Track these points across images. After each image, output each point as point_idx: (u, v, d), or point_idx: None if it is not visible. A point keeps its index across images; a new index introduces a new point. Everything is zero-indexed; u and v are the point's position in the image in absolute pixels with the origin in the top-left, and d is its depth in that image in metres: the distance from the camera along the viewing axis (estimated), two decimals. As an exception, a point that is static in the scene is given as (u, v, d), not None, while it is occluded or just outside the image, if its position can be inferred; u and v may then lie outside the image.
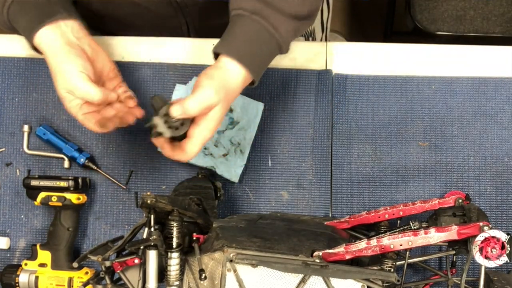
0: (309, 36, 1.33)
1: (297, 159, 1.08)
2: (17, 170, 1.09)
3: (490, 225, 0.79)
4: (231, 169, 1.06)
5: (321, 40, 1.40)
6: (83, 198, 1.04)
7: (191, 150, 0.85)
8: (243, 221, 0.91)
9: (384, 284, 0.77)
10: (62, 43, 0.87)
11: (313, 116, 1.09)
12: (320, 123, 1.08)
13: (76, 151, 1.07)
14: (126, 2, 1.05)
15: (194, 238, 0.86)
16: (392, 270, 0.79)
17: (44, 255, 1.03)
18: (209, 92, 0.82)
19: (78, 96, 0.86)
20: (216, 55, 0.88)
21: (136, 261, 0.79)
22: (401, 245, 0.79)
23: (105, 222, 1.08)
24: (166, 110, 0.82)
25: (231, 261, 0.79)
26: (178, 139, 0.85)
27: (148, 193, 0.78)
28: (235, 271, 0.79)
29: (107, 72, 0.93)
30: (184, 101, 0.81)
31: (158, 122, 0.83)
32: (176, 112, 0.81)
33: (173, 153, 0.86)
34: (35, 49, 0.90)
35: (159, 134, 0.83)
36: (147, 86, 1.10)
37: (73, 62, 0.86)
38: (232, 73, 0.86)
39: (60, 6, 0.90)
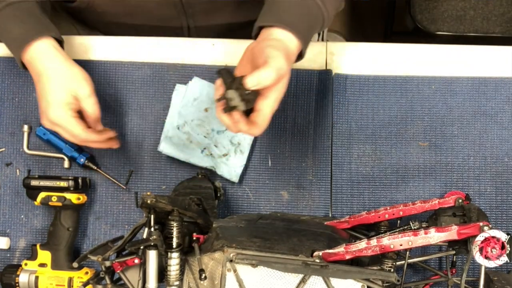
0: None
1: (297, 159, 1.08)
2: (17, 170, 1.09)
3: (490, 225, 0.79)
4: (231, 169, 1.06)
5: (318, 40, 1.40)
6: (83, 198, 1.04)
7: (262, 122, 0.83)
8: (243, 221, 0.91)
9: (384, 284, 0.77)
10: (66, 54, 0.92)
11: (313, 116, 1.09)
12: (320, 123, 1.08)
13: (76, 151, 1.07)
14: (129, 3, 1.05)
15: (194, 238, 0.86)
16: (392, 270, 0.79)
17: (44, 255, 1.03)
18: (282, 61, 0.80)
19: (84, 94, 0.89)
20: (258, 30, 0.87)
21: (136, 261, 0.79)
22: (401, 245, 0.79)
23: (105, 222, 1.08)
24: (238, 83, 0.79)
25: (231, 261, 0.79)
26: (248, 113, 0.83)
27: (148, 193, 0.78)
28: (235, 271, 0.79)
29: None
30: (259, 72, 0.79)
31: (233, 95, 0.79)
32: (251, 83, 0.78)
33: (249, 127, 0.84)
34: (21, 62, 0.93)
35: (233, 108, 0.80)
36: (147, 86, 1.10)
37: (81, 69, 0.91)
38: (290, 44, 0.85)
39: (53, 26, 0.93)
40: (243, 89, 0.79)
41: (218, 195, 1.03)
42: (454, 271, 0.98)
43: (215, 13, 1.09)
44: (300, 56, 0.91)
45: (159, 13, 1.08)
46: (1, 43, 1.06)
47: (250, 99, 0.81)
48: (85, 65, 1.09)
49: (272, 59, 0.80)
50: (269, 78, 0.79)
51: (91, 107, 0.93)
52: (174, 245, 0.81)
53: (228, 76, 0.81)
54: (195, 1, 1.04)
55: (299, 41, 0.87)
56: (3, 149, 1.10)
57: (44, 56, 0.90)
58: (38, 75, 0.91)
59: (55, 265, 1.02)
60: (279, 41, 0.85)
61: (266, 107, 0.82)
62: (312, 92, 1.09)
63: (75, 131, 0.90)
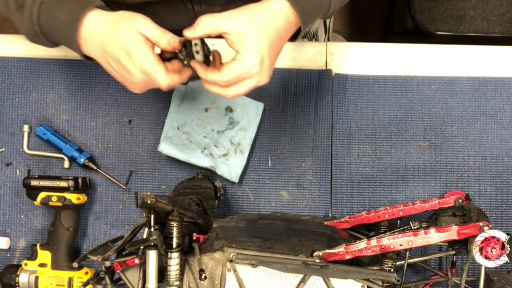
0: (312, 38, 1.33)
1: (297, 159, 1.08)
2: (17, 170, 1.09)
3: (490, 225, 0.79)
4: (231, 169, 1.06)
5: (323, 41, 1.40)
6: (83, 198, 1.04)
7: (224, 70, 0.81)
8: (243, 221, 0.91)
9: (384, 284, 0.77)
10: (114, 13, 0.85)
11: (313, 116, 1.09)
12: (320, 123, 1.08)
13: (76, 151, 1.07)
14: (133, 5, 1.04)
15: (194, 238, 0.86)
16: (392, 270, 0.79)
17: (44, 255, 1.03)
18: (248, 64, 0.80)
19: (157, 35, 0.82)
20: None
21: (136, 261, 0.79)
22: (401, 245, 0.79)
23: (105, 222, 1.08)
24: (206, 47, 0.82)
25: (231, 261, 0.79)
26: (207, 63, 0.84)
27: (148, 193, 0.78)
28: (235, 271, 0.79)
29: None
30: (216, 74, 0.81)
31: (199, 45, 0.82)
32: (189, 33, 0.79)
33: (206, 72, 0.83)
34: (79, 49, 0.86)
35: (193, 56, 0.82)
36: (147, 86, 1.10)
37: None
38: (286, 17, 0.84)
39: None
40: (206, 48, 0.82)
41: (218, 195, 1.03)
42: (454, 271, 0.98)
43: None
44: (297, 33, 0.89)
45: (162, 15, 1.07)
46: (0, 42, 1.06)
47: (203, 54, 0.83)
48: (85, 64, 1.10)
49: (240, 58, 0.80)
50: (204, 27, 0.79)
51: (153, 32, 0.82)
52: (174, 245, 0.81)
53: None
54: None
55: (296, 16, 0.84)
56: (3, 149, 1.10)
57: (98, 25, 0.83)
58: (101, 47, 0.83)
59: (55, 265, 1.02)
60: (272, 10, 0.83)
61: (234, 64, 0.81)
62: (312, 92, 1.09)
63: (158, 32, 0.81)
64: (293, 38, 0.90)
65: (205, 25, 0.80)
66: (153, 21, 0.83)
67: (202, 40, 0.82)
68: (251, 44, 0.80)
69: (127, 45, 0.80)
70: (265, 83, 0.84)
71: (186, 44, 0.83)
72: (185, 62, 0.84)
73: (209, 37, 0.82)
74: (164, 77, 0.81)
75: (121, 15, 0.83)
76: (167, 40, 0.81)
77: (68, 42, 0.87)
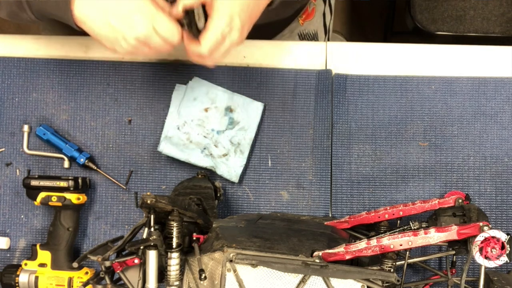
0: (312, 38, 1.33)
1: (297, 159, 1.08)
2: (17, 170, 1.09)
3: (490, 225, 0.79)
4: (231, 169, 1.06)
5: (323, 41, 1.40)
6: (83, 198, 1.04)
7: (203, 41, 0.82)
8: (243, 221, 0.91)
9: (384, 284, 0.77)
10: None
11: (313, 116, 1.09)
12: (320, 123, 1.08)
13: (76, 151, 1.07)
14: None
15: (194, 238, 0.86)
16: (392, 270, 0.79)
17: (44, 255, 1.03)
18: (222, 24, 0.81)
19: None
20: None
21: (136, 261, 0.79)
22: (401, 245, 0.79)
23: (105, 222, 1.08)
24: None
25: (231, 261, 0.79)
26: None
27: (148, 193, 0.78)
28: (235, 271, 0.79)
29: None
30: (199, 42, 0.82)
31: (199, 13, 0.83)
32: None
33: (189, 42, 0.83)
34: (71, 12, 0.82)
35: (188, 25, 0.83)
36: (147, 86, 1.10)
37: None
38: None
39: None
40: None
41: (218, 195, 1.03)
42: (454, 271, 0.98)
43: None
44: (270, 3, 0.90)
45: None
46: (0, 42, 1.05)
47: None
48: (85, 64, 1.10)
49: (211, 24, 0.81)
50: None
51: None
52: (174, 245, 0.81)
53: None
54: None
55: None
56: (3, 149, 1.10)
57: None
58: (101, 4, 0.80)
59: (55, 265, 1.02)
60: None
61: (211, 27, 0.82)
62: (312, 92, 1.09)
63: (173, 30, 0.81)
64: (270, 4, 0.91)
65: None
66: None
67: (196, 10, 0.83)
68: (220, 6, 0.81)
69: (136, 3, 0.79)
70: (238, 43, 0.84)
71: (188, 12, 0.83)
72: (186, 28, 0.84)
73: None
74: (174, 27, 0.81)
75: None
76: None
77: (60, 11, 0.83)
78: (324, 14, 1.33)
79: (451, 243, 0.88)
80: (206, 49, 0.83)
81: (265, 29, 1.01)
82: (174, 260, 0.81)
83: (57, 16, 0.86)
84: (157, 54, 0.85)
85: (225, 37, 0.83)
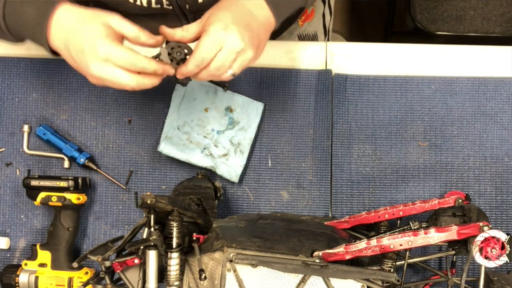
0: (312, 40, 1.33)
1: (297, 159, 1.08)
2: (17, 170, 1.09)
3: (490, 225, 0.79)
4: (231, 169, 1.06)
5: (324, 40, 1.40)
6: (83, 198, 1.04)
7: (198, 48, 0.81)
8: (243, 221, 0.91)
9: (384, 284, 0.77)
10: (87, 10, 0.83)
11: (313, 116, 1.09)
12: (320, 123, 1.08)
13: (76, 151, 1.07)
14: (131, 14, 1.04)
15: (194, 238, 0.86)
16: (392, 270, 0.79)
17: (44, 255, 1.03)
18: (212, 39, 0.81)
19: (115, 19, 0.81)
20: None
21: (136, 261, 0.79)
22: (401, 245, 0.79)
23: (105, 222, 1.08)
24: (174, 44, 0.83)
25: (231, 261, 0.79)
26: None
27: (148, 193, 0.78)
28: (235, 271, 0.79)
29: None
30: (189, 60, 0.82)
31: (163, 51, 0.83)
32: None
33: (188, 64, 0.82)
34: (47, 43, 0.84)
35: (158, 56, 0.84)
36: (147, 86, 1.10)
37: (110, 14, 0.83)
38: (256, 10, 0.85)
39: None
40: (174, 48, 0.84)
41: (218, 195, 1.03)
42: (454, 271, 0.98)
43: None
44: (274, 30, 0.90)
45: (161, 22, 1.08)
46: (0, 42, 1.05)
47: (180, 61, 0.84)
48: (85, 65, 1.10)
49: (204, 33, 0.81)
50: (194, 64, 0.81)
51: (129, 28, 0.81)
52: (174, 245, 0.81)
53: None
54: (193, 4, 1.03)
55: (265, 2, 0.86)
56: (3, 149, 1.10)
57: (66, 18, 0.82)
58: (65, 39, 0.81)
59: (55, 265, 1.02)
60: (236, 2, 0.84)
61: (193, 59, 0.82)
62: (312, 92, 1.09)
63: (131, 57, 0.78)
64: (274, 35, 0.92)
65: (192, 30, 0.83)
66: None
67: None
68: (212, 18, 0.81)
69: (92, 34, 0.79)
70: (242, 49, 0.82)
71: (172, 47, 0.84)
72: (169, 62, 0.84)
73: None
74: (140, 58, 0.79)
75: (94, 11, 0.82)
76: (147, 34, 0.81)
77: (35, 36, 0.85)
78: (323, 15, 1.33)
79: (451, 243, 0.88)
80: (200, 54, 0.81)
81: None
82: (174, 260, 0.81)
83: (35, 42, 0.87)
84: (149, 83, 0.83)
85: (221, 43, 0.81)
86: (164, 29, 0.84)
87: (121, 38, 0.82)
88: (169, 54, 0.83)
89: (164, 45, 0.84)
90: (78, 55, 0.81)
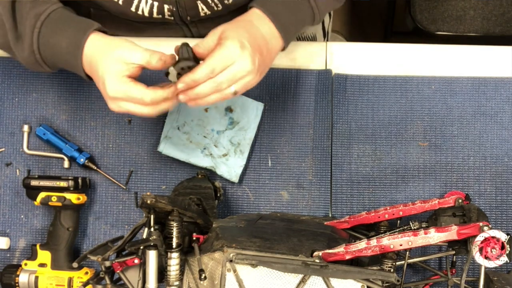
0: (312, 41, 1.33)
1: (297, 159, 1.08)
2: (17, 170, 1.09)
3: (490, 225, 0.79)
4: (231, 169, 1.06)
5: (324, 40, 1.40)
6: (83, 198, 1.04)
7: (210, 59, 0.82)
8: (243, 221, 0.91)
9: (384, 284, 0.77)
10: (112, 37, 0.87)
11: (313, 116, 1.09)
12: (320, 123, 1.08)
13: (76, 151, 1.07)
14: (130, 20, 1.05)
15: (194, 238, 0.86)
16: (392, 270, 0.79)
17: (44, 255, 1.03)
18: (226, 55, 0.82)
19: (131, 55, 0.83)
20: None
21: (136, 261, 0.79)
22: (401, 245, 0.79)
23: (105, 222, 1.08)
24: (184, 64, 0.83)
25: (231, 261, 0.79)
26: None
27: (148, 193, 0.78)
28: (235, 271, 0.79)
29: None
30: (195, 71, 0.82)
31: (172, 71, 0.84)
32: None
33: (194, 74, 0.83)
34: (84, 72, 0.88)
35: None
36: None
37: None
38: (265, 30, 0.87)
39: (89, 20, 0.90)
40: (184, 69, 0.83)
41: (218, 195, 1.03)
42: (454, 271, 0.98)
43: (215, 20, 1.09)
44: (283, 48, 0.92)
45: (162, 27, 1.08)
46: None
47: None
48: (85, 65, 1.10)
49: (219, 46, 0.82)
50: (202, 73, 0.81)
51: (139, 56, 0.83)
52: (174, 245, 0.81)
53: (184, 54, 0.83)
54: (194, 16, 1.03)
55: (277, 30, 0.88)
56: (3, 149, 1.10)
57: (92, 49, 0.86)
58: (95, 70, 0.85)
59: (55, 265, 1.02)
60: (252, 24, 0.86)
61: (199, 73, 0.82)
62: (312, 92, 1.09)
63: (138, 94, 0.81)
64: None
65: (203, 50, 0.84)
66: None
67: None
68: (229, 33, 0.82)
69: (115, 92, 0.83)
70: (250, 71, 0.83)
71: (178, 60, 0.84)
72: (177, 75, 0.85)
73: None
74: (145, 91, 0.82)
75: (114, 42, 0.85)
76: (157, 57, 0.83)
77: (70, 66, 0.89)
78: None
79: (451, 243, 0.88)
80: (210, 66, 0.81)
81: None
82: (174, 260, 0.81)
83: (70, 70, 0.91)
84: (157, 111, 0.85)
85: (234, 60, 0.82)
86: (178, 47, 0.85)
87: (137, 69, 0.84)
88: (178, 74, 0.83)
89: (173, 66, 0.84)
90: (99, 87, 0.86)
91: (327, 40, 1.40)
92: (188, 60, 0.83)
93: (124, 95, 0.82)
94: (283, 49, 0.93)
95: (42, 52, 0.89)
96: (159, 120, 1.09)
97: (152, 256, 0.79)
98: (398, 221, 0.95)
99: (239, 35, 0.83)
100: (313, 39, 1.33)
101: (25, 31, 0.88)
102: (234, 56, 0.81)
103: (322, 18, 0.95)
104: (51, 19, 0.88)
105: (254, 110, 1.07)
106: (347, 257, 0.79)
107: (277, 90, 1.09)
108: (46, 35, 0.87)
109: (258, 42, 0.85)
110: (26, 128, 1.08)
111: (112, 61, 0.83)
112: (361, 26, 2.27)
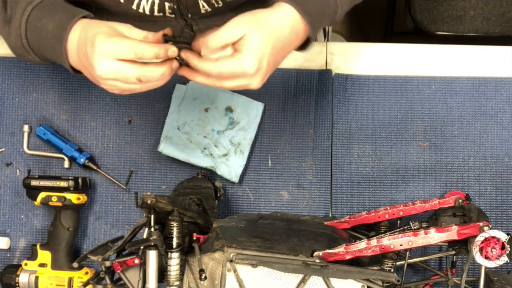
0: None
1: (297, 159, 1.08)
2: (17, 170, 1.09)
3: (490, 225, 0.79)
4: (231, 169, 1.06)
5: (324, 40, 1.40)
6: (83, 198, 1.04)
7: (221, 63, 0.77)
8: (243, 221, 0.91)
9: (384, 284, 0.77)
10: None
11: (313, 116, 1.09)
12: (320, 123, 1.08)
13: (76, 151, 1.07)
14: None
15: (194, 238, 0.86)
16: (392, 270, 0.79)
17: (44, 255, 1.03)
18: (248, 62, 0.77)
19: (139, 36, 0.79)
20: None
21: (136, 261, 0.79)
22: (401, 245, 0.79)
23: (105, 222, 1.08)
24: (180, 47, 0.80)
25: (231, 261, 0.79)
26: None
27: (148, 193, 0.78)
28: (235, 271, 0.79)
29: None
30: (215, 64, 0.77)
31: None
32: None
33: (200, 61, 0.78)
34: (67, 59, 0.83)
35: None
36: (147, 86, 1.09)
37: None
38: (294, 23, 0.81)
39: (78, 8, 0.86)
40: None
41: (218, 195, 1.03)
42: (454, 271, 0.98)
43: (215, 17, 1.09)
44: (307, 41, 0.86)
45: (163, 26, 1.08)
46: (0, 42, 1.05)
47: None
48: (85, 65, 1.10)
49: (239, 57, 0.77)
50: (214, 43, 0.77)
51: (136, 31, 0.79)
52: (174, 245, 0.81)
53: (187, 35, 0.80)
54: (195, 13, 1.03)
55: (305, 24, 0.82)
56: (3, 149, 1.10)
57: (81, 31, 0.81)
58: (77, 50, 0.80)
59: (55, 265, 1.02)
60: (280, 17, 0.80)
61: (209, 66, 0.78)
62: (312, 92, 1.09)
63: (127, 45, 0.75)
64: (302, 47, 0.88)
65: (215, 44, 0.77)
66: None
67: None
68: (254, 45, 0.77)
69: (93, 35, 0.77)
70: (255, 88, 0.81)
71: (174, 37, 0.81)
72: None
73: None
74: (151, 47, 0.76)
75: (105, 22, 0.80)
76: (152, 34, 0.79)
77: (55, 54, 0.84)
78: None
79: (451, 243, 0.88)
80: (218, 69, 0.77)
81: None
82: (174, 260, 0.81)
83: (57, 61, 0.87)
84: (155, 82, 0.80)
85: (246, 76, 0.78)
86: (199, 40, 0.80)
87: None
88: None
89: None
90: (85, 62, 0.79)
91: (327, 40, 1.40)
92: (186, 44, 0.80)
93: (115, 45, 0.76)
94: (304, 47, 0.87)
95: (28, 37, 0.86)
96: (159, 120, 1.09)
97: (152, 256, 0.79)
98: (398, 221, 0.95)
99: (261, 48, 0.77)
100: (313, 39, 1.33)
101: (15, 15, 0.86)
102: (247, 73, 0.78)
103: (341, 18, 0.91)
104: (43, 5, 0.85)
105: (254, 110, 1.07)
106: (347, 257, 0.79)
107: (277, 90, 1.09)
108: (35, 19, 0.85)
109: (277, 54, 0.80)
110: (26, 128, 1.08)
111: (103, 27, 0.78)
112: (361, 26, 2.27)
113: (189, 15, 1.01)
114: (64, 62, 0.84)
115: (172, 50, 0.78)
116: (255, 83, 0.80)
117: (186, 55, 0.79)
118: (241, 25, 0.78)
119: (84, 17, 0.84)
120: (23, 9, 0.85)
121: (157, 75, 0.79)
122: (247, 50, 0.77)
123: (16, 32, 0.86)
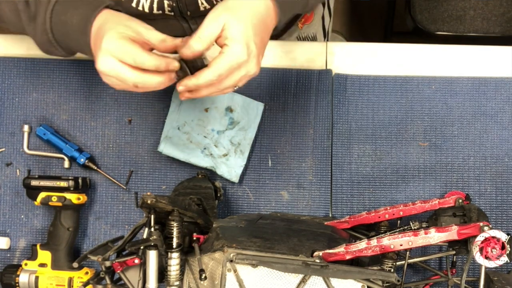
0: (312, 41, 1.33)
1: (297, 159, 1.08)
2: (17, 170, 1.09)
3: (490, 225, 0.79)
4: (231, 169, 1.06)
5: (324, 40, 1.40)
6: (83, 198, 1.04)
7: (216, 65, 0.79)
8: (243, 221, 0.91)
9: (384, 284, 0.77)
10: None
11: (313, 116, 1.09)
12: (320, 123, 1.08)
13: (76, 151, 1.07)
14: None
15: (194, 238, 0.86)
16: (392, 270, 0.79)
17: (44, 255, 1.03)
18: (238, 54, 0.78)
19: (157, 39, 0.81)
20: None
21: (136, 261, 0.79)
22: (401, 245, 0.79)
23: (105, 222, 1.08)
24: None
25: (231, 261, 0.79)
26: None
27: (148, 193, 0.78)
28: (235, 271, 0.79)
29: None
30: (206, 71, 0.79)
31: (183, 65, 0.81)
32: (186, 52, 0.78)
33: (198, 77, 0.80)
34: (91, 51, 0.83)
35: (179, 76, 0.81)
36: (147, 86, 1.09)
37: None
38: (264, 8, 0.82)
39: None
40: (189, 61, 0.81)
41: (218, 195, 1.03)
42: (454, 271, 0.98)
43: None
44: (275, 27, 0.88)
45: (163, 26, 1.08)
46: (0, 42, 1.05)
47: (196, 67, 0.81)
48: (85, 64, 1.10)
49: (227, 49, 0.78)
50: (211, 76, 0.79)
51: (154, 33, 0.80)
52: (174, 245, 0.81)
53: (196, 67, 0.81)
54: (194, 11, 1.03)
55: (275, 6, 0.83)
56: (3, 149, 1.10)
57: (107, 19, 0.82)
58: (100, 36, 0.80)
59: (55, 265, 1.02)
60: (251, 5, 0.81)
61: (207, 73, 0.80)
62: (312, 92, 1.09)
63: (129, 51, 0.76)
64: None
65: (199, 46, 0.79)
66: None
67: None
68: (235, 33, 0.79)
69: (106, 32, 0.78)
70: (255, 73, 0.82)
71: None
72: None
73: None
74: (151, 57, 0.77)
75: (128, 16, 0.82)
76: (172, 39, 0.80)
77: (81, 46, 0.86)
78: (323, 17, 1.34)
79: (451, 243, 0.88)
80: (216, 72, 0.79)
81: None
82: (174, 260, 0.81)
83: (83, 53, 0.87)
84: (161, 82, 0.80)
85: (241, 65, 0.80)
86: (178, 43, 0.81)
87: (141, 43, 0.80)
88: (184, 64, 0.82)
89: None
90: (94, 51, 0.81)
91: (327, 40, 1.40)
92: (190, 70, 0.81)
93: (117, 48, 0.77)
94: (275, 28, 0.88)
95: (54, 31, 0.87)
96: (159, 120, 1.09)
97: (152, 256, 0.79)
98: (399, 221, 0.95)
99: (244, 34, 0.79)
100: (314, 39, 1.33)
101: (39, 10, 0.86)
102: (241, 62, 0.79)
103: (315, 6, 0.91)
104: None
105: (254, 110, 1.07)
106: (348, 257, 0.79)
107: (277, 90, 1.09)
108: (59, 13, 0.85)
109: (261, 33, 0.82)
110: (26, 128, 1.08)
111: (118, 26, 0.79)
112: (361, 26, 2.27)
113: (188, 13, 1.01)
114: (89, 54, 0.85)
115: (174, 65, 0.80)
116: (253, 68, 0.81)
117: (183, 83, 0.81)
118: (216, 18, 0.79)
119: (107, 6, 0.84)
120: (47, 4, 0.86)
121: (154, 84, 0.80)
122: (232, 40, 0.79)
123: (42, 27, 0.87)
